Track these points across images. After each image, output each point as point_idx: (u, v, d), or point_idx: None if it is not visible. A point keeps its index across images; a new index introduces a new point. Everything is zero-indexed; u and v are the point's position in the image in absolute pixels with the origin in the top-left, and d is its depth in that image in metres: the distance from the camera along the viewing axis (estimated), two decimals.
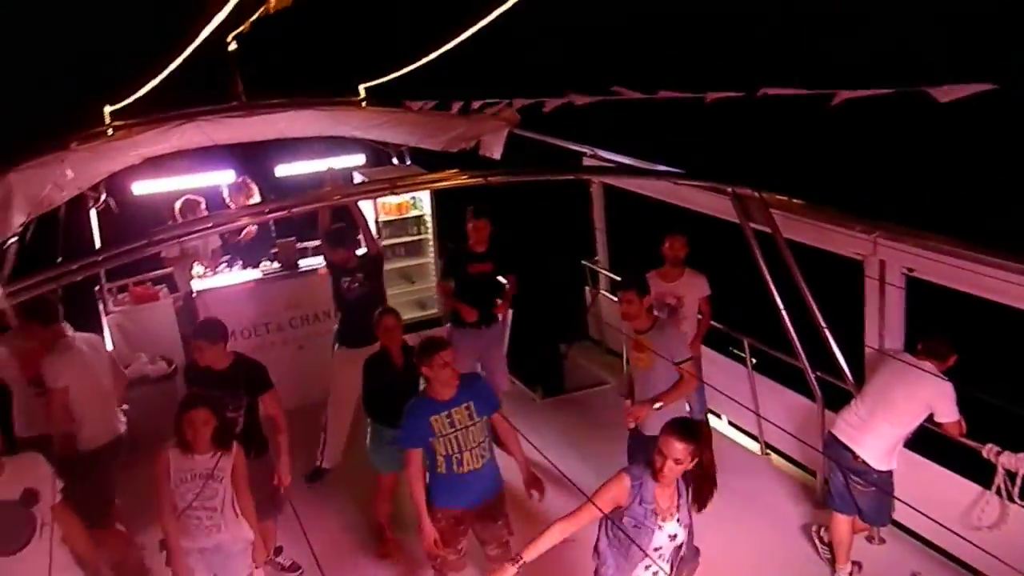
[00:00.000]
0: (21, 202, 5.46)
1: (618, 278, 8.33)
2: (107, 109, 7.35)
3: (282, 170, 9.30)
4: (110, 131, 6.99)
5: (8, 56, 20.35)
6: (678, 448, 3.47)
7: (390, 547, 5.64)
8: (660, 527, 3.62)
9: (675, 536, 3.69)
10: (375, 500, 5.70)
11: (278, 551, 5.51)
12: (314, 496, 6.35)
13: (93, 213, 8.10)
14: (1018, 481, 4.64)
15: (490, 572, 4.70)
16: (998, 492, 4.75)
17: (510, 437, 4.66)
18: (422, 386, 4.89)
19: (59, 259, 3.99)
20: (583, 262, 8.81)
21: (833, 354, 5.57)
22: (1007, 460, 4.67)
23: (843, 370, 5.58)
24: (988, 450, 4.77)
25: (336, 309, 6.78)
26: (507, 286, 6.89)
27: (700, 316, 6.38)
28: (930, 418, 4.82)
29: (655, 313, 5.42)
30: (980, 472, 4.90)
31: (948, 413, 4.73)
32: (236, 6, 5.13)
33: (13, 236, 5.74)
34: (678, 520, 3.67)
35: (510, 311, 7.23)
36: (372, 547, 5.72)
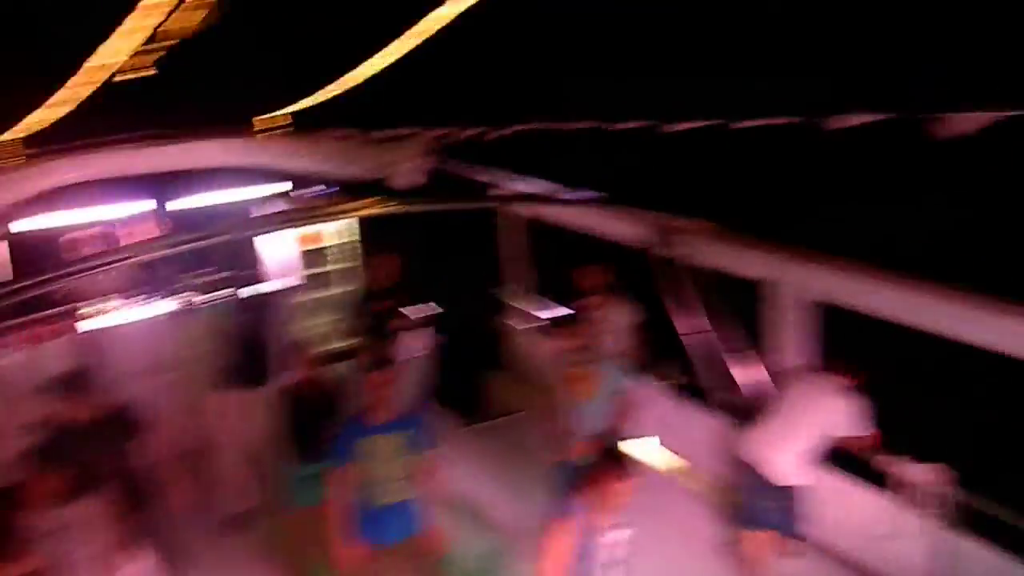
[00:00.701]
0: None
1: (537, 308, 8.42)
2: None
3: (195, 201, 9.05)
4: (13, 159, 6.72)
5: None
6: (619, 490, 3.58)
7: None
8: (600, 544, 3.71)
9: (617, 544, 3.78)
10: (292, 539, 5.49)
11: None
12: (225, 541, 6.08)
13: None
14: (924, 492, 4.83)
15: None
16: (909, 502, 4.94)
17: (430, 480, 4.56)
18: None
19: None
20: (501, 290, 8.84)
21: (744, 374, 5.74)
22: (917, 471, 4.86)
23: (754, 389, 5.75)
24: (896, 463, 4.95)
25: (224, 347, 6.45)
26: (418, 327, 6.80)
27: (627, 345, 6.43)
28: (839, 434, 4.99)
29: (593, 345, 5.48)
30: (888, 484, 5.09)
31: (855, 428, 4.91)
32: (132, 32, 5.04)
33: None
34: (617, 527, 3.76)
35: (429, 346, 7.13)
36: None
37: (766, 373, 5.80)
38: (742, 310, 5.93)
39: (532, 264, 8.69)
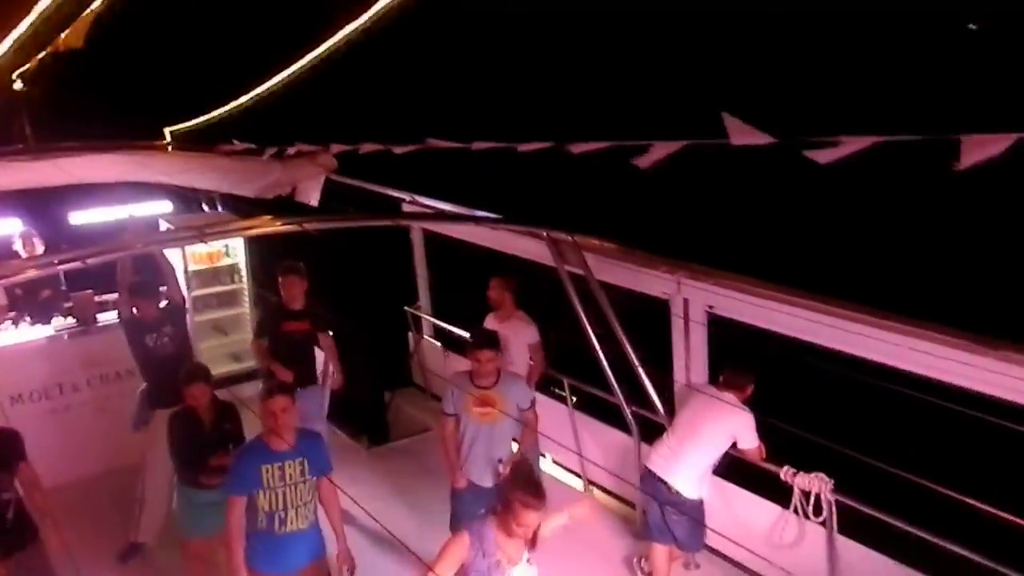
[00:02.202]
0: None
1: (442, 324, 8.37)
2: None
3: (77, 218, 8.62)
4: None
5: None
6: (533, 518, 3.50)
7: None
8: (508, 573, 3.62)
9: None
10: (187, 570, 5.29)
11: None
12: (126, 570, 5.84)
13: None
14: (811, 499, 5.03)
15: None
16: (795, 511, 5.13)
17: (333, 504, 4.48)
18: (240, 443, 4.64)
19: None
20: (406, 308, 8.77)
21: (646, 390, 5.87)
22: (801, 481, 5.04)
23: (655, 404, 5.88)
24: (785, 472, 5.13)
25: (141, 370, 6.19)
26: (327, 351, 6.65)
27: (531, 363, 6.42)
28: (734, 445, 5.14)
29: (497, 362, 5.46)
30: (779, 494, 5.27)
31: (749, 440, 5.08)
32: (21, 43, 4.78)
33: None
34: (528, 560, 3.69)
35: (331, 372, 6.99)
36: None
37: (666, 387, 5.94)
38: (643, 325, 6.05)
39: (437, 281, 8.65)
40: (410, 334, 8.86)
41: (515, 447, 5.49)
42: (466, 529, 3.63)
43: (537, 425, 5.37)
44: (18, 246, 7.59)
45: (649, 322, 5.99)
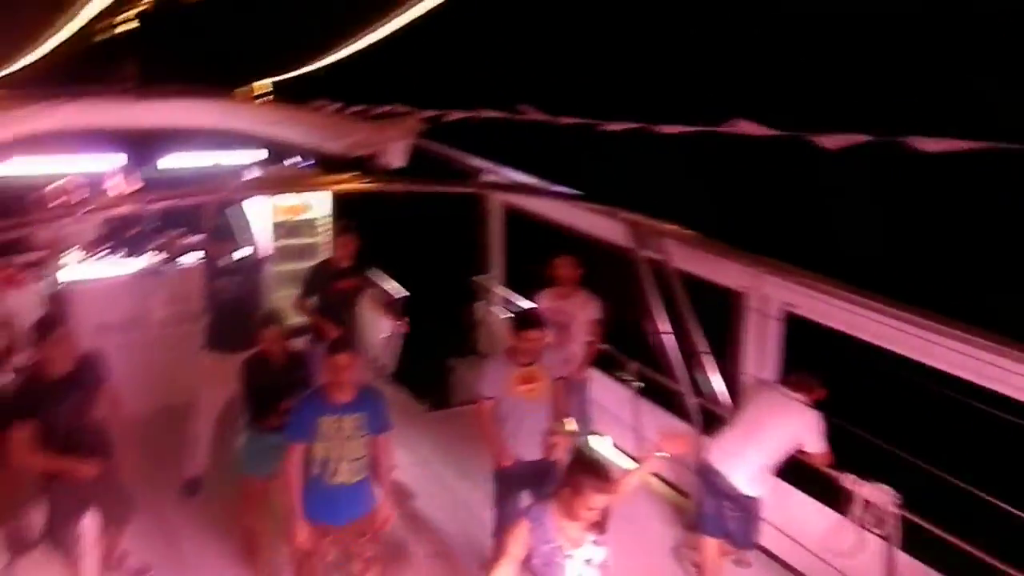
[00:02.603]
0: None
1: (510, 296, 8.38)
2: None
3: (172, 161, 8.91)
4: None
5: None
6: (603, 500, 3.49)
7: (259, 553, 5.43)
8: (571, 556, 3.60)
9: (591, 560, 3.67)
10: (242, 506, 5.48)
11: (123, 556, 5.23)
12: (184, 503, 6.07)
13: None
14: (874, 511, 4.88)
15: None
16: (856, 520, 5.00)
17: (384, 462, 4.56)
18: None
19: None
20: (476, 278, 8.81)
21: (712, 381, 5.76)
22: (866, 491, 4.90)
23: (721, 397, 5.78)
24: (849, 480, 5.00)
25: (206, 310, 6.35)
26: (374, 301, 6.73)
27: (589, 339, 6.42)
28: (798, 448, 5.03)
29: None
30: (840, 501, 5.14)
31: (815, 443, 4.95)
32: None
33: None
34: (594, 542, 3.66)
35: (399, 325, 7.09)
36: (239, 555, 5.48)
37: (733, 381, 5.83)
38: (714, 316, 5.94)
39: (509, 253, 8.66)
40: (479, 304, 8.91)
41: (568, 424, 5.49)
42: (524, 517, 3.64)
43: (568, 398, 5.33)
44: (118, 183, 7.89)
45: (721, 314, 5.88)
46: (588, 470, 3.55)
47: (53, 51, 6.53)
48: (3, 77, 6.82)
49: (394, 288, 7.79)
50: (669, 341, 5.96)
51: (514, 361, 5.10)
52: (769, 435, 5.02)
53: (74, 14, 5.82)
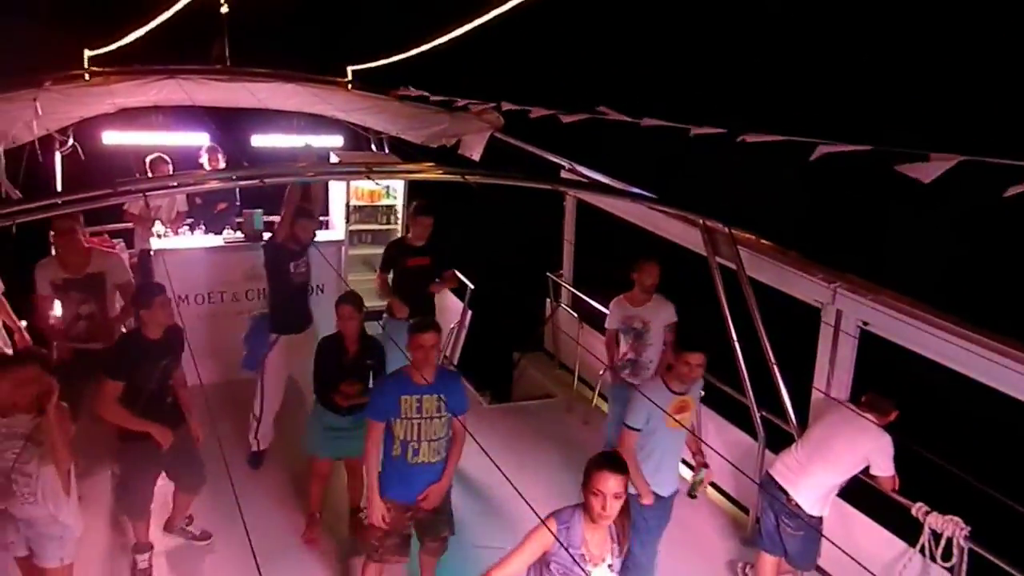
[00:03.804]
0: None
1: (583, 295, 8.35)
2: (87, 53, 7.19)
3: (258, 140, 9.18)
4: (87, 76, 6.83)
5: None
6: (615, 481, 3.30)
7: (318, 532, 5.56)
8: (588, 574, 3.43)
9: None
10: (308, 484, 5.62)
11: (189, 520, 5.43)
12: (249, 475, 6.25)
13: (58, 156, 7.92)
14: (942, 542, 4.73)
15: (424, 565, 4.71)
16: (922, 551, 4.84)
17: (457, 443, 4.57)
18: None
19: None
20: (548, 274, 8.82)
21: (780, 395, 5.65)
22: (935, 521, 4.74)
23: (788, 412, 5.66)
24: (917, 509, 4.84)
25: (272, 293, 6.39)
26: (447, 272, 6.77)
27: (664, 345, 6.31)
28: (865, 470, 4.89)
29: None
30: (907, 529, 4.99)
31: (885, 467, 4.80)
32: None
33: None
34: (609, 566, 3.50)
35: (468, 314, 7.15)
36: (299, 531, 5.61)
37: (802, 396, 5.70)
38: (787, 328, 5.81)
39: (582, 251, 8.65)
40: (548, 300, 8.92)
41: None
42: (556, 517, 3.46)
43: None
44: (204, 159, 8.18)
45: (794, 327, 5.75)
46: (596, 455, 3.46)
47: (152, 30, 6.77)
48: (107, 53, 7.11)
49: (463, 279, 7.87)
50: (738, 351, 5.85)
51: (670, 387, 4.71)
52: (837, 455, 4.89)
53: None
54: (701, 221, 5.88)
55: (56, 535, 4.08)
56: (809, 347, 5.72)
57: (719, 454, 6.18)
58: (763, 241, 5.92)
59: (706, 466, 5.12)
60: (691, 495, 5.24)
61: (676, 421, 4.66)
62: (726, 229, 5.78)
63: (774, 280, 5.79)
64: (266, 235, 7.80)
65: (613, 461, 3.40)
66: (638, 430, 4.65)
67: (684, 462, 5.59)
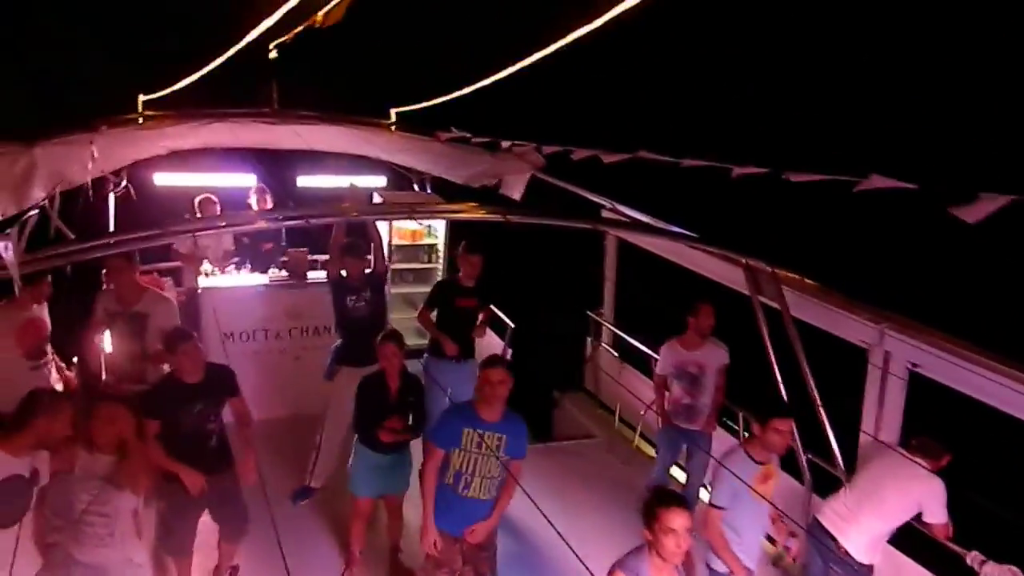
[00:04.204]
0: (43, 177, 5.49)
1: (624, 334, 8.31)
2: (141, 97, 7.43)
3: (304, 181, 9.38)
4: (141, 119, 7.06)
5: (52, 30, 20.56)
6: (685, 517, 3.33)
7: (359, 571, 5.54)
8: None
9: None
10: (349, 523, 5.61)
11: (234, 571, 5.41)
12: (297, 514, 6.26)
13: (111, 197, 8.16)
14: None
15: None
16: None
17: (509, 487, 4.56)
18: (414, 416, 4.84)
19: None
20: (588, 313, 8.80)
21: (827, 438, 5.53)
22: (991, 570, 4.57)
23: (835, 456, 5.53)
24: (972, 558, 4.67)
25: (337, 327, 6.59)
26: (483, 315, 6.77)
27: (716, 390, 6.21)
28: (918, 516, 4.75)
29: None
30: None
31: (938, 514, 4.67)
32: (285, 15, 5.21)
33: (33, 209, 5.75)
34: None
35: (509, 353, 7.16)
36: (342, 570, 5.59)
37: (850, 440, 5.58)
38: (833, 371, 5.71)
39: (623, 291, 8.62)
40: (589, 339, 8.89)
41: None
42: (619, 567, 3.45)
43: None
44: (252, 199, 8.37)
45: (841, 368, 5.64)
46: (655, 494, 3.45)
47: (204, 76, 6.98)
48: (161, 97, 7.34)
49: (504, 318, 7.89)
50: (783, 392, 5.76)
51: (753, 457, 4.46)
52: (888, 501, 4.76)
53: (229, 43, 6.20)
54: (744, 260, 5.84)
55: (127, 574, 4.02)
56: (855, 388, 5.61)
57: (765, 498, 6.05)
58: (807, 281, 5.84)
59: (793, 535, 4.95)
60: (776, 564, 5.10)
61: (760, 495, 4.31)
62: (769, 269, 5.72)
63: (819, 320, 5.70)
64: (311, 274, 7.97)
65: (676, 498, 3.44)
66: (723, 508, 4.39)
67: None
